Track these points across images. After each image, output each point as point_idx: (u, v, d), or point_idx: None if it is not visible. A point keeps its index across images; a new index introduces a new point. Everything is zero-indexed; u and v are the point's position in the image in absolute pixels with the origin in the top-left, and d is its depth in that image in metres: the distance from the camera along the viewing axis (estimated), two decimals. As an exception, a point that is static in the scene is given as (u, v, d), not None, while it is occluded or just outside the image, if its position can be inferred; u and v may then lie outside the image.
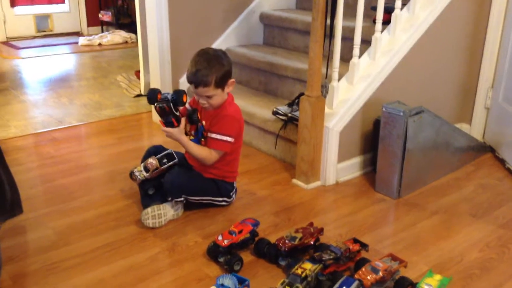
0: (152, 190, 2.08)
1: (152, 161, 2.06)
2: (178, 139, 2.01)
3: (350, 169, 2.48)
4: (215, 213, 2.10)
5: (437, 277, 1.65)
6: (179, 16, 3.00)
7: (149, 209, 1.98)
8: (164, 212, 2.00)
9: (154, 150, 2.15)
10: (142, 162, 2.13)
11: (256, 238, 1.84)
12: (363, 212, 2.17)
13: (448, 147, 2.50)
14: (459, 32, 2.73)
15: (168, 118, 1.98)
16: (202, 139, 2.08)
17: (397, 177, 2.25)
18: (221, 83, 1.97)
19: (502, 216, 2.15)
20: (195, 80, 1.95)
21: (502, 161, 2.66)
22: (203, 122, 2.07)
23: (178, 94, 1.96)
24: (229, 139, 2.03)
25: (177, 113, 1.98)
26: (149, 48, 3.08)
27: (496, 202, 2.27)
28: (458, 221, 2.10)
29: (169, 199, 2.03)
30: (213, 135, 2.03)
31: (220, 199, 2.13)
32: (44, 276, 1.69)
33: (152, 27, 2.98)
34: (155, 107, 1.97)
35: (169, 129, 1.98)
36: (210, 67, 1.93)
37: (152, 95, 1.96)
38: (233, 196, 2.17)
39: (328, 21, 2.23)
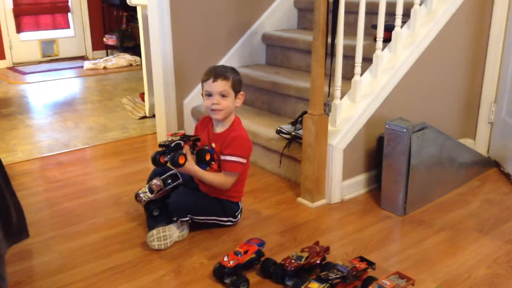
0: (157, 211, 2.09)
1: (157, 182, 2.07)
2: (191, 172, 2.02)
3: (355, 186, 2.47)
4: (220, 234, 2.10)
5: (445, 294, 1.64)
6: (182, 38, 3.03)
7: (154, 231, 1.98)
8: (169, 234, 2.00)
9: (160, 171, 2.16)
10: (147, 183, 2.14)
11: (262, 258, 1.83)
12: (369, 230, 2.16)
13: (452, 163, 2.50)
14: (460, 48, 2.75)
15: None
16: (212, 162, 2.09)
17: (402, 194, 2.24)
18: (236, 87, 2.05)
19: (509, 231, 2.13)
20: (216, 72, 2.02)
21: (507, 176, 2.65)
22: (213, 145, 2.08)
23: (174, 156, 1.95)
24: (242, 160, 2.06)
25: (181, 157, 1.96)
26: (153, 70, 3.11)
27: (502, 217, 2.26)
28: (464, 237, 2.09)
29: (175, 219, 2.03)
30: (227, 157, 2.04)
31: (226, 219, 2.13)
32: (50, 300, 1.69)
33: (156, 50, 3.01)
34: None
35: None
36: (229, 69, 2.08)
37: (155, 161, 1.98)
38: (239, 216, 2.17)
39: (329, 40, 2.25)
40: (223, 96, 2.02)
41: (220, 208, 2.10)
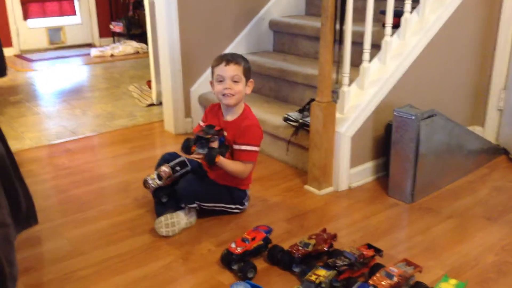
0: (166, 198, 2.09)
1: (165, 168, 2.08)
2: (218, 163, 2.01)
3: (363, 174, 2.47)
4: (228, 221, 2.11)
5: (453, 281, 1.64)
6: (189, 25, 3.02)
7: (162, 218, 1.98)
8: (177, 221, 2.00)
9: (168, 158, 2.17)
10: (156, 169, 2.15)
11: (270, 245, 1.84)
12: (377, 217, 2.15)
13: (461, 150, 2.48)
14: (470, 34, 2.71)
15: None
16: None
17: (410, 182, 2.23)
18: (247, 73, 2.06)
19: (517, 219, 2.13)
20: (228, 57, 2.03)
21: (516, 163, 2.64)
22: (225, 133, 2.07)
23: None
24: (257, 148, 2.07)
25: (218, 156, 1.98)
26: (160, 58, 3.10)
27: (511, 204, 2.25)
28: (472, 225, 2.08)
29: (183, 205, 2.04)
30: (243, 147, 2.04)
31: (233, 206, 2.13)
32: (59, 286, 1.70)
33: (163, 37, 3.00)
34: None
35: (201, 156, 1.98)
36: (240, 55, 2.08)
37: (187, 149, 2.00)
38: (246, 203, 2.17)
39: (338, 26, 2.23)
40: (235, 81, 2.02)
41: (228, 195, 2.10)
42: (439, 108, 2.30)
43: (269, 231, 1.85)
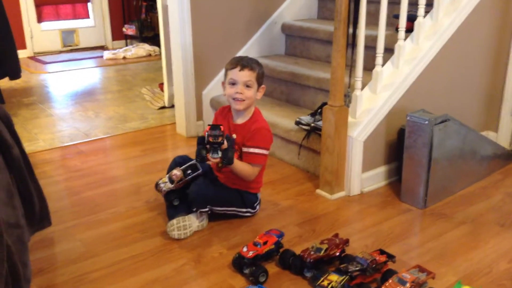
0: (177, 201, 2.10)
1: (177, 172, 2.08)
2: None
3: (375, 179, 2.46)
4: (239, 224, 2.11)
5: (466, 288, 1.62)
6: (202, 29, 3.03)
7: (174, 221, 1.99)
8: (189, 224, 2.01)
9: (180, 161, 2.18)
10: (167, 173, 2.15)
11: (281, 250, 1.83)
12: (389, 223, 2.14)
13: (474, 156, 2.46)
14: (483, 38, 2.70)
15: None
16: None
17: (423, 187, 2.22)
18: (260, 79, 2.07)
19: (531, 225, 2.11)
20: (243, 62, 2.04)
21: (531, 169, 2.61)
22: (234, 136, 2.08)
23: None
24: (266, 152, 2.08)
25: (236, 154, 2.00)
26: (173, 60, 3.12)
27: (525, 211, 2.23)
28: (486, 231, 2.06)
29: (194, 209, 2.04)
30: (251, 150, 2.05)
31: (244, 210, 2.14)
32: (73, 287, 1.71)
33: (176, 40, 3.02)
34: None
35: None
36: (255, 61, 2.10)
37: (202, 157, 1.95)
38: (257, 207, 2.17)
39: (351, 30, 2.23)
40: (247, 86, 2.03)
41: (239, 199, 2.11)
42: (452, 113, 2.29)
43: (281, 235, 1.85)
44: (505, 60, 2.79)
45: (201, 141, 1.94)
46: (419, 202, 2.25)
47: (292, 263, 1.75)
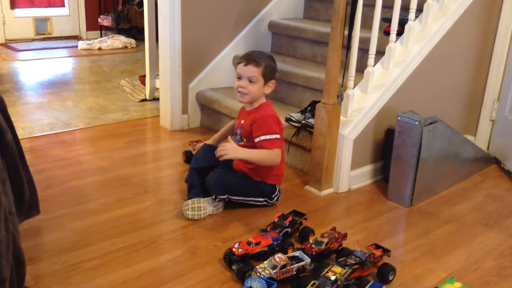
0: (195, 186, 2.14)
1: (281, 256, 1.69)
2: (235, 156, 2.05)
3: (362, 177, 2.51)
4: (231, 219, 2.11)
5: (457, 284, 1.68)
6: (191, 23, 3.01)
7: (189, 201, 2.04)
8: (204, 206, 2.06)
9: (206, 149, 2.23)
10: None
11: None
12: (378, 220, 2.19)
13: (457, 158, 2.55)
14: (468, 45, 2.79)
15: None
16: (243, 140, 2.18)
17: (410, 186, 2.28)
18: (267, 74, 2.12)
19: (512, 226, 2.20)
20: (249, 57, 2.10)
21: (508, 173, 2.71)
22: (242, 121, 2.15)
23: None
24: (277, 136, 2.11)
25: None
26: (160, 53, 3.09)
27: (505, 212, 2.31)
28: (470, 230, 2.14)
29: (213, 197, 2.07)
30: (262, 138, 2.09)
31: (262, 199, 2.17)
32: (66, 276, 1.68)
33: (165, 33, 2.99)
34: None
35: (223, 150, 2.01)
36: (264, 56, 2.15)
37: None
38: (275, 198, 2.21)
39: (346, 32, 2.27)
40: (251, 81, 2.09)
41: (257, 189, 2.15)
42: (436, 115, 2.36)
43: (276, 239, 1.81)
44: (487, 67, 2.89)
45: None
46: (406, 201, 2.31)
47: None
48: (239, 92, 2.11)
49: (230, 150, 2.03)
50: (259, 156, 2.08)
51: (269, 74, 2.13)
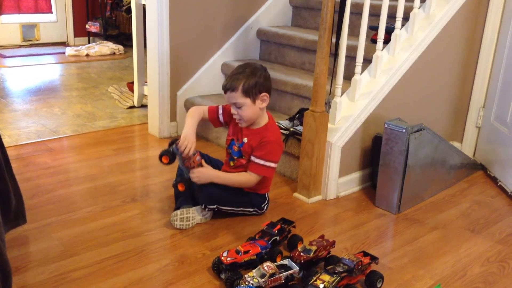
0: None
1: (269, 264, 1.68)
2: (209, 179, 2.05)
3: (350, 184, 2.52)
4: (220, 227, 2.10)
5: (445, 291, 1.69)
6: (179, 29, 3.02)
7: (178, 211, 2.03)
8: (192, 216, 2.05)
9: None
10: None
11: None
12: (366, 227, 2.20)
13: (444, 164, 2.57)
14: (454, 53, 2.82)
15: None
16: (243, 157, 2.13)
17: (398, 193, 2.30)
18: (249, 92, 1.98)
19: (498, 232, 2.21)
20: (225, 84, 2.01)
21: (493, 179, 2.74)
22: (245, 139, 2.10)
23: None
24: (272, 165, 2.09)
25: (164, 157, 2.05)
26: (148, 60, 3.09)
27: (492, 218, 2.34)
28: (457, 236, 2.16)
29: (202, 206, 2.07)
30: (257, 160, 2.07)
31: (252, 209, 2.17)
32: (53, 286, 1.66)
33: (153, 40, 2.99)
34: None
35: (196, 178, 2.02)
36: (243, 73, 1.99)
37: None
38: (265, 207, 2.21)
39: (333, 39, 2.28)
40: (237, 107, 2.03)
41: (246, 199, 2.14)
42: (423, 123, 2.38)
43: (265, 247, 1.81)
44: (472, 74, 2.93)
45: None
46: (393, 208, 2.32)
47: None
48: (237, 121, 2.09)
49: (203, 177, 2.03)
50: (236, 179, 2.08)
51: (253, 89, 1.98)
